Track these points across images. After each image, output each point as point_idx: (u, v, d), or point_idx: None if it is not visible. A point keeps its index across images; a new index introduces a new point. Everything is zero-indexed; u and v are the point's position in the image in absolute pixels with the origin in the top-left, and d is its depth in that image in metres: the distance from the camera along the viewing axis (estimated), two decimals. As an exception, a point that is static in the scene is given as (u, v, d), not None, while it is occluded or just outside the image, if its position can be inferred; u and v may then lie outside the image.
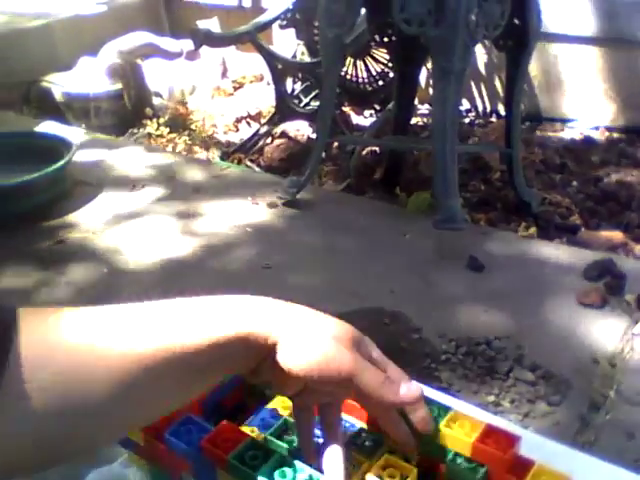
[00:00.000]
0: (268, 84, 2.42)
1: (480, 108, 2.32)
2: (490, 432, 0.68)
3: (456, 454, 0.68)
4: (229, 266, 1.39)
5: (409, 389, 0.57)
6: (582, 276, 1.30)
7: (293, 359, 0.53)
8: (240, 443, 0.66)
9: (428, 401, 0.71)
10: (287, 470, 0.64)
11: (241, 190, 1.72)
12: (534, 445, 0.69)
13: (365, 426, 0.69)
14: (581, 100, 2.20)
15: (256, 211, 1.62)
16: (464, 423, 0.69)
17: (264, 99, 2.39)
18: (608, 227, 1.53)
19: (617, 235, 1.47)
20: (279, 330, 0.53)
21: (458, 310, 1.22)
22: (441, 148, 1.38)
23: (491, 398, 0.99)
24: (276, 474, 0.63)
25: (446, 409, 0.70)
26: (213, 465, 0.66)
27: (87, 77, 2.36)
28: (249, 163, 1.92)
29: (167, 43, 2.66)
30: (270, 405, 0.78)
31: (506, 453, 0.66)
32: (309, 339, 0.53)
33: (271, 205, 1.63)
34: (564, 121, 2.21)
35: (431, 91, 2.10)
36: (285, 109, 2.04)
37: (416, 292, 1.28)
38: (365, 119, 2.28)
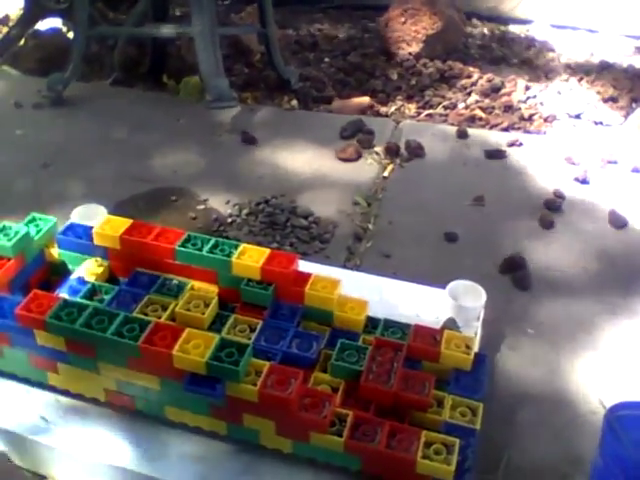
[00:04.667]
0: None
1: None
2: (273, 256, 0.84)
3: (249, 280, 0.82)
4: (4, 169, 1.37)
5: None
6: (339, 136, 1.49)
7: None
8: (54, 305, 0.74)
9: (220, 242, 0.84)
10: (103, 317, 0.73)
11: (1, 94, 1.65)
12: (312, 269, 0.85)
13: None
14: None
15: (22, 113, 1.58)
16: (252, 254, 0.83)
17: (9, 2, 2.24)
18: (357, 94, 1.73)
19: (365, 100, 1.67)
20: None
21: (237, 178, 1.35)
22: (203, 30, 1.45)
23: (274, 245, 1.15)
24: (93, 322, 0.73)
25: (236, 245, 0.84)
26: (31, 330, 0.74)
27: None
28: (6, 67, 1.82)
29: None
30: (75, 275, 0.85)
31: (288, 269, 0.82)
32: None
33: (37, 106, 1.60)
34: (311, 3, 2.36)
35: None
36: (35, 9, 1.94)
37: (197, 169, 1.38)
38: (121, 14, 2.23)
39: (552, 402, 0.86)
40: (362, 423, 0.68)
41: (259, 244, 1.16)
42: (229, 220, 1.22)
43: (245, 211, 1.24)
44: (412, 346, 0.76)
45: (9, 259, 0.81)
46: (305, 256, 1.12)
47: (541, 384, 0.89)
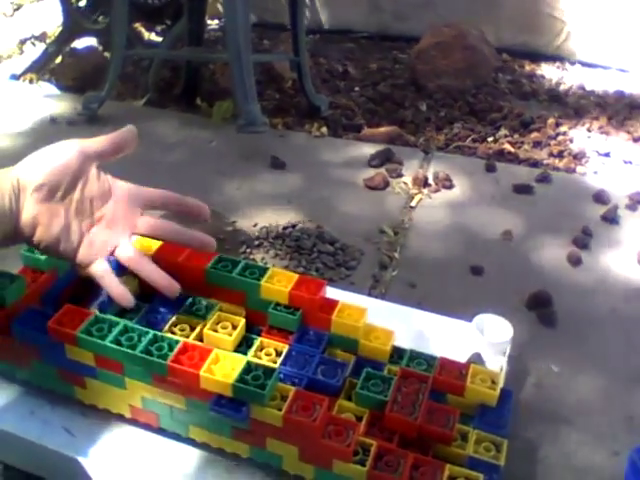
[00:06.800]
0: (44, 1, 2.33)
1: (268, 22, 2.42)
2: (301, 282, 0.84)
3: (277, 304, 0.82)
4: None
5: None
6: (367, 164, 1.50)
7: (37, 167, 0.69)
8: (85, 320, 0.75)
9: (250, 265, 0.84)
10: (133, 335, 0.74)
11: (38, 110, 1.69)
12: (337, 295, 0.86)
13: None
14: (355, 11, 2.38)
15: (57, 129, 1.61)
16: (281, 278, 0.84)
17: (47, 19, 2.30)
18: (386, 123, 1.74)
19: (394, 129, 1.68)
20: (21, 167, 0.70)
21: (266, 203, 1.36)
22: (237, 56, 1.48)
23: (300, 270, 1.15)
24: (122, 339, 0.74)
25: (265, 269, 0.84)
26: (62, 344, 0.74)
27: None
28: (43, 83, 1.87)
29: None
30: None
31: (316, 295, 0.82)
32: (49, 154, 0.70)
33: (71, 122, 1.63)
34: (342, 32, 2.39)
35: (219, 6, 2.16)
36: (73, 27, 1.99)
37: (227, 191, 1.40)
38: (157, 35, 2.28)
39: (575, 441, 0.85)
40: (386, 454, 0.67)
41: (285, 268, 1.17)
42: (256, 243, 1.23)
43: (272, 234, 1.24)
44: (437, 379, 0.76)
45: (42, 273, 0.82)
46: (330, 282, 1.12)
47: (565, 423, 0.88)
